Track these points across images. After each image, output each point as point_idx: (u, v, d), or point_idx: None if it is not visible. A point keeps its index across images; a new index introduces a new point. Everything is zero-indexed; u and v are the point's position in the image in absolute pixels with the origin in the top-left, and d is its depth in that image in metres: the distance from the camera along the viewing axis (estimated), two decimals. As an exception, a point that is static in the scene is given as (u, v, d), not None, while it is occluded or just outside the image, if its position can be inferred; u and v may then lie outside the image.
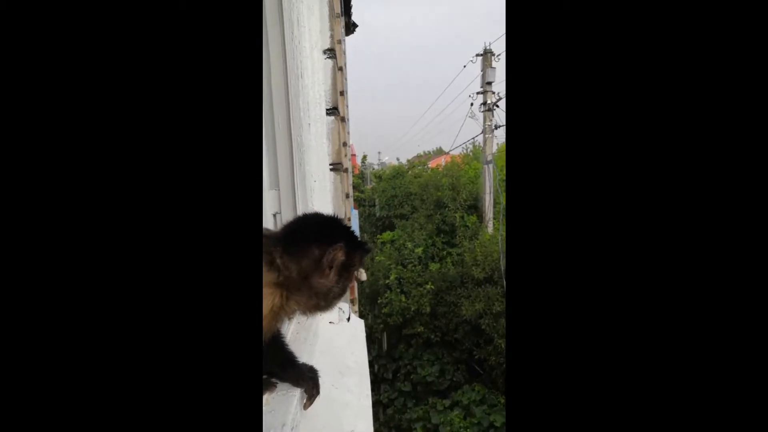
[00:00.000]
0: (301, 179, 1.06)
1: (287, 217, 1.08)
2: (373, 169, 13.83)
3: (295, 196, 1.07)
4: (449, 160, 11.08)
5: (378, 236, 8.20)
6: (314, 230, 0.64)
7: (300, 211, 1.07)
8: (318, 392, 0.76)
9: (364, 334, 1.24)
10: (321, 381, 0.92)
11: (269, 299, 0.60)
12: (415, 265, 6.55)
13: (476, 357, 5.73)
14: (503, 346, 5.24)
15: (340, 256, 0.60)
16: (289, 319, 0.73)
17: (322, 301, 0.63)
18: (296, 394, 0.71)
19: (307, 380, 0.74)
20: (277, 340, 0.73)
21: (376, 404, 5.92)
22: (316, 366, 0.96)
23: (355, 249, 0.64)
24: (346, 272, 0.63)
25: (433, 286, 6.09)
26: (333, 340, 1.06)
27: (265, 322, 0.60)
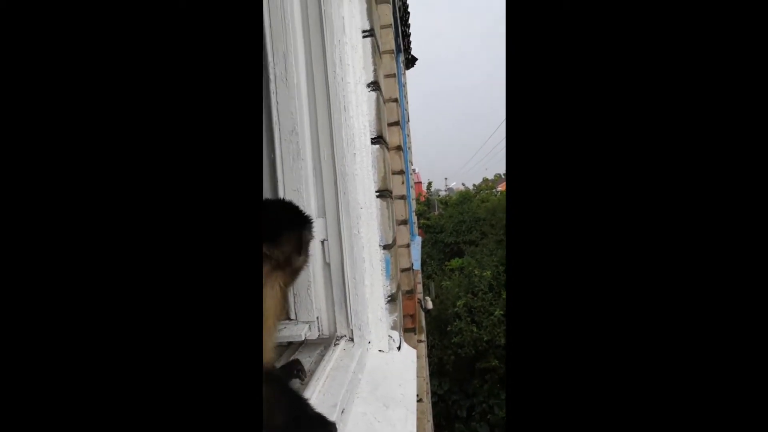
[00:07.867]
0: (345, 207, 1.09)
1: (334, 243, 1.11)
2: (439, 195, 13.72)
3: (340, 222, 1.10)
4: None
5: (446, 263, 8.00)
6: (285, 218, 0.76)
7: (345, 238, 1.09)
8: None
9: (415, 365, 1.19)
10: (363, 413, 0.89)
11: (274, 286, 0.69)
12: (485, 293, 6.21)
13: (561, 398, 5.09)
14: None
15: (309, 235, 0.76)
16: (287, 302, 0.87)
17: (295, 278, 0.79)
18: None
19: None
20: (280, 383, 0.68)
21: (449, 444, 5.54)
22: (358, 395, 0.94)
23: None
24: (307, 248, 0.78)
25: (503, 312, 5.67)
26: (379, 369, 1.04)
27: (277, 310, 0.70)
